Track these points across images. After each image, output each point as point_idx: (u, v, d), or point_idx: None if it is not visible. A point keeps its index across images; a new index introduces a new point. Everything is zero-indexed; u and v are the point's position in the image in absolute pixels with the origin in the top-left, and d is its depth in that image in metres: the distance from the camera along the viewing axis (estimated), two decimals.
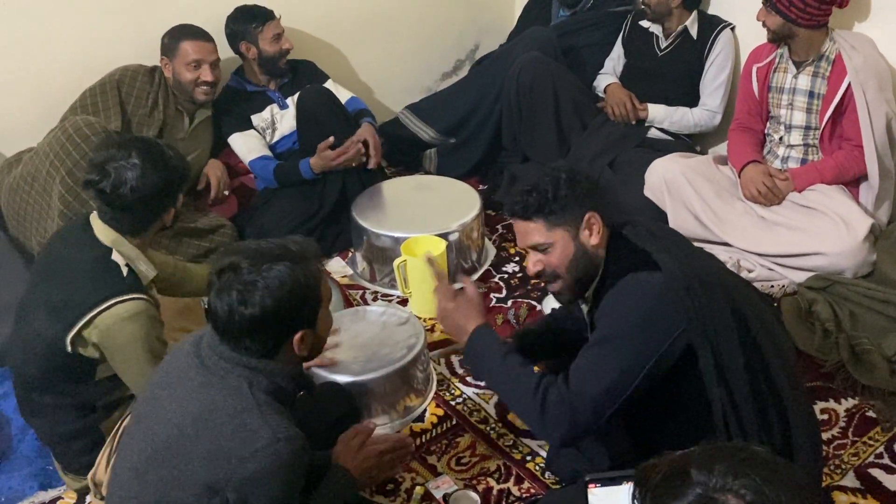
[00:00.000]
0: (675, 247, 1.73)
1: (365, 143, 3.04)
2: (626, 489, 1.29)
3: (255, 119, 3.18)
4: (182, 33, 2.94)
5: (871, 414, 2.30)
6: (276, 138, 3.21)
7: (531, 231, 1.77)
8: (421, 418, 2.35)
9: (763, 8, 2.76)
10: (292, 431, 1.42)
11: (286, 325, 1.48)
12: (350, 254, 3.08)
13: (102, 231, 1.98)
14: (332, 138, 2.99)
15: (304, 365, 2.01)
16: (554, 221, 1.74)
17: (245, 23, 3.10)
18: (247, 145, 3.14)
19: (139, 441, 1.49)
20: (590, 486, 1.31)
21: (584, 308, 1.89)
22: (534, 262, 1.79)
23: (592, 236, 1.75)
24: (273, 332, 1.47)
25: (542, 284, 1.79)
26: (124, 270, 1.96)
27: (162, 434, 1.45)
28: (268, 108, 3.20)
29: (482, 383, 2.46)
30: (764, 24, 2.77)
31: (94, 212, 2.01)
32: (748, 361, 1.65)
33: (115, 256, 1.96)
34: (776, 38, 2.78)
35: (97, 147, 2.07)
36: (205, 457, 1.39)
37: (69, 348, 1.93)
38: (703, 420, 1.65)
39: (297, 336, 1.49)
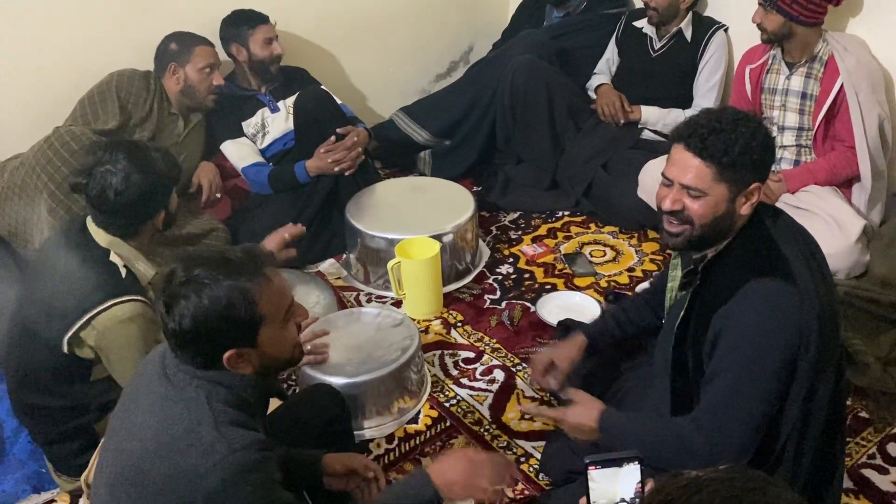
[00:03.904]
0: (813, 260, 1.62)
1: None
2: (627, 470, 1.29)
3: (246, 126, 3.18)
4: (191, 39, 2.94)
5: (863, 414, 2.30)
6: (266, 142, 3.20)
7: (695, 171, 1.60)
8: (415, 420, 2.35)
9: (760, 9, 2.75)
10: (250, 439, 1.37)
11: (210, 342, 1.41)
12: (344, 256, 3.08)
13: (99, 234, 1.99)
14: (333, 138, 3.00)
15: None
16: (724, 175, 1.59)
17: (237, 26, 3.11)
18: (239, 152, 3.14)
19: (111, 456, 1.47)
20: (589, 468, 1.29)
21: (678, 266, 1.80)
22: (674, 200, 1.65)
23: (746, 206, 1.62)
24: (198, 348, 1.41)
25: (668, 219, 1.69)
26: (122, 271, 1.95)
27: (128, 450, 1.42)
28: (258, 112, 3.20)
29: (469, 382, 2.47)
30: (760, 26, 2.76)
31: (89, 216, 2.01)
32: (834, 392, 1.61)
33: (113, 257, 1.96)
34: (773, 39, 2.77)
35: (87, 150, 2.06)
36: (167, 473, 1.36)
37: (66, 349, 1.93)
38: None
39: (227, 354, 1.42)
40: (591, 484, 1.30)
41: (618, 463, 1.29)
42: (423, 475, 1.57)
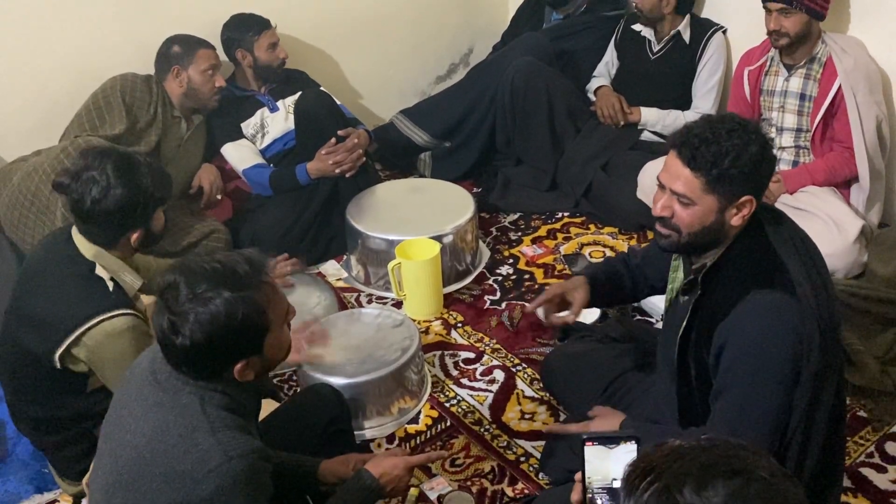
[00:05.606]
0: (813, 268, 1.60)
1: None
2: (623, 450, 1.30)
3: (245, 127, 3.19)
4: (193, 42, 2.95)
5: (862, 414, 2.31)
6: (266, 142, 3.21)
7: (684, 179, 1.59)
8: (415, 420, 2.36)
9: (776, 14, 2.69)
10: (247, 447, 1.37)
11: (221, 356, 1.40)
12: (344, 257, 3.09)
13: (83, 244, 1.95)
14: (333, 140, 3.01)
15: (292, 361, 2.02)
16: (713, 186, 1.57)
17: (242, 31, 3.12)
18: (239, 154, 3.15)
19: (106, 462, 1.47)
20: (586, 444, 1.30)
21: (679, 269, 1.79)
22: (663, 206, 1.64)
23: (736, 217, 1.60)
24: (207, 363, 1.40)
25: (658, 223, 1.69)
26: (110, 285, 1.93)
27: (123, 456, 1.42)
28: (258, 113, 3.20)
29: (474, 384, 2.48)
30: (778, 32, 2.71)
31: (74, 225, 1.98)
32: (835, 397, 1.61)
33: (99, 271, 1.93)
34: (794, 42, 2.72)
35: (79, 155, 2.05)
36: (162, 480, 1.36)
37: (58, 364, 1.92)
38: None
39: (238, 366, 1.42)
40: (586, 461, 1.31)
41: (615, 441, 1.31)
42: (374, 483, 1.67)
